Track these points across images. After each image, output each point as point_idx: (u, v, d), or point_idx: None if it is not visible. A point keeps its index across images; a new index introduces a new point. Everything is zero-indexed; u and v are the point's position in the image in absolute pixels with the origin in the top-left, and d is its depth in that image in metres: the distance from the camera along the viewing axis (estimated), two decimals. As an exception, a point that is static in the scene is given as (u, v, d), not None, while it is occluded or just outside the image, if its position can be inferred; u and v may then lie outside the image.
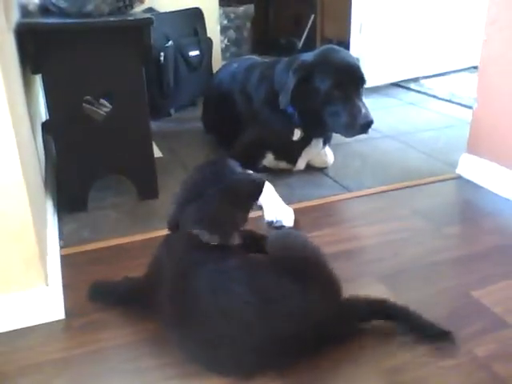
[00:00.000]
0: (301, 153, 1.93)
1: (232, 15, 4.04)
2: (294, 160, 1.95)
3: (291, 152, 1.93)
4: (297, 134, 1.86)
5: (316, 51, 1.81)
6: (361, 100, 1.72)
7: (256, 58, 2.23)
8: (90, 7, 1.49)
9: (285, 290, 0.99)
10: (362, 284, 1.27)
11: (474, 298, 1.21)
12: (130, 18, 1.52)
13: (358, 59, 1.84)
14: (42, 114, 2.09)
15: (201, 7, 2.83)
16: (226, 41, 4.05)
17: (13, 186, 1.06)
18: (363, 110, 1.67)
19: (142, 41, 1.53)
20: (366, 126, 1.68)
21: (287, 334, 0.96)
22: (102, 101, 1.91)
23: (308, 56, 1.78)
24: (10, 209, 1.07)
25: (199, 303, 0.99)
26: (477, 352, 1.04)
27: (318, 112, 1.75)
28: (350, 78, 1.71)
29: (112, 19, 1.50)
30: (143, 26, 1.51)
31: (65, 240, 1.50)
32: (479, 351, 1.04)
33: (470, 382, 0.97)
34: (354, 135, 1.78)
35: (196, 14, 2.80)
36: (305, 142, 1.89)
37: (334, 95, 1.70)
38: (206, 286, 1.00)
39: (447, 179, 1.89)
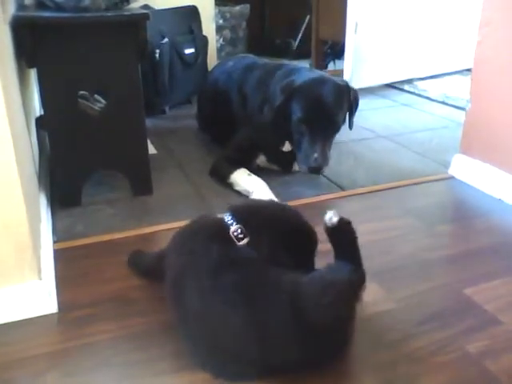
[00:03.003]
0: (294, 159, 1.93)
1: (228, 15, 4.05)
2: (286, 165, 1.95)
3: (283, 158, 1.92)
4: (286, 147, 1.87)
5: (309, 76, 1.76)
6: (322, 143, 1.70)
7: (252, 56, 2.23)
8: (86, 2, 1.48)
9: (283, 330, 0.92)
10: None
11: (466, 296, 1.21)
12: (126, 13, 1.51)
13: (346, 82, 1.82)
14: (37, 108, 2.08)
15: (197, 5, 2.84)
16: (221, 40, 4.05)
17: (7, 180, 1.06)
18: (315, 155, 1.67)
19: (138, 36, 1.52)
20: (314, 169, 1.71)
21: (275, 360, 0.94)
22: (97, 96, 1.90)
23: (299, 77, 1.76)
24: (3, 202, 1.07)
25: (189, 305, 0.99)
26: (468, 348, 1.04)
27: (291, 133, 1.77)
28: (319, 120, 1.70)
29: (109, 14, 1.49)
30: (139, 20, 1.51)
31: (58, 234, 1.49)
32: (471, 348, 1.05)
33: (462, 378, 0.98)
34: (304, 171, 1.79)
35: (192, 12, 2.80)
36: None
37: (300, 127, 1.71)
38: (199, 294, 0.98)
39: (440, 179, 1.90)
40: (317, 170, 1.72)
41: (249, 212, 1.10)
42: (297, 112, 1.71)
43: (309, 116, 1.70)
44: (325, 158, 1.70)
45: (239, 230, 1.03)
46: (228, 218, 1.06)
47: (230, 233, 1.03)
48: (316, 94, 1.70)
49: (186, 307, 1.00)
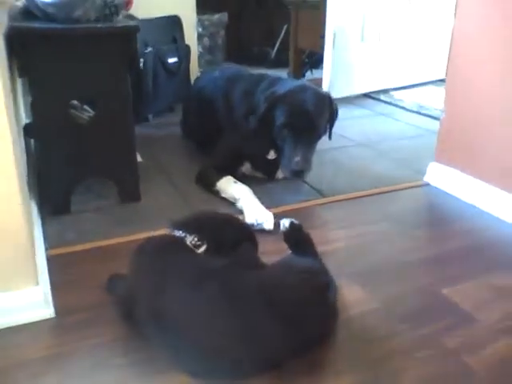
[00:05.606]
0: (278, 166, 1.98)
1: (206, 23, 4.10)
2: (270, 172, 2.00)
3: (268, 166, 1.98)
4: (271, 155, 1.93)
5: (291, 85, 1.85)
6: (304, 147, 1.76)
7: (236, 66, 2.29)
8: (78, 13, 1.51)
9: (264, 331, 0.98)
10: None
11: (443, 296, 1.29)
12: (118, 25, 1.55)
13: (328, 93, 1.90)
14: (22, 116, 2.09)
15: (179, 14, 2.88)
16: (200, 48, 4.09)
17: (7, 186, 1.09)
18: (296, 158, 1.73)
19: (129, 47, 1.57)
20: (295, 172, 1.77)
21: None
22: (86, 106, 1.92)
23: (282, 87, 1.84)
24: (2, 209, 1.09)
25: (173, 318, 1.00)
26: (448, 344, 1.12)
27: (275, 141, 1.84)
28: (301, 125, 1.76)
29: (100, 25, 1.52)
30: (131, 32, 1.55)
31: (50, 242, 1.51)
32: (450, 343, 1.12)
33: (442, 371, 1.06)
34: (287, 175, 1.88)
35: (175, 22, 2.85)
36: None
37: (282, 133, 1.78)
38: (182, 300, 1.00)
39: (416, 186, 1.99)
40: (298, 174, 1.78)
41: (194, 221, 1.15)
42: (280, 117, 1.77)
43: (291, 120, 1.76)
44: (306, 162, 1.76)
45: (195, 239, 1.08)
46: (178, 233, 1.10)
47: (188, 243, 1.08)
48: (298, 100, 1.78)
49: (169, 321, 1.01)
